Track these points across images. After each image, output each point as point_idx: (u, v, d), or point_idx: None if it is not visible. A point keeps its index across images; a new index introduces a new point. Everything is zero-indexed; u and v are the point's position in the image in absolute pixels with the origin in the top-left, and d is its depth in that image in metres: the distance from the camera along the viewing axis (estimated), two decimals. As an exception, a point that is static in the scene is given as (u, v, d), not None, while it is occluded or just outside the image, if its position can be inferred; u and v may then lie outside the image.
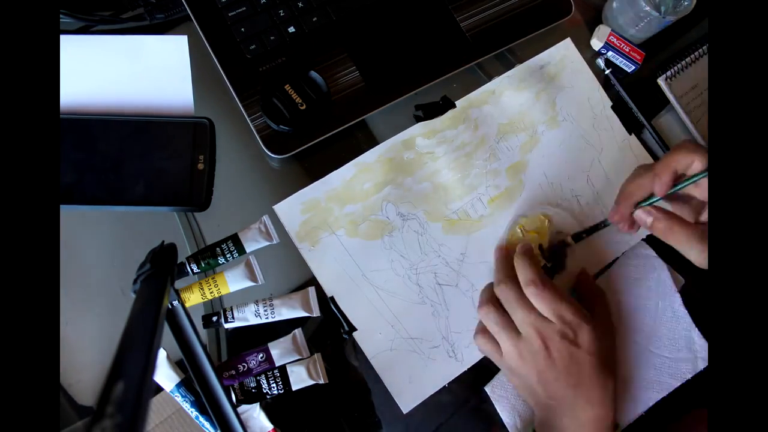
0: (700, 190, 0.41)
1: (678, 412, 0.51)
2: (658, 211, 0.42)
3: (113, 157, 0.44)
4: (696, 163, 0.40)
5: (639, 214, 0.44)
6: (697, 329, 0.52)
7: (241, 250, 0.45)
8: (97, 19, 0.49)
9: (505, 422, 0.48)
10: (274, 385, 0.43)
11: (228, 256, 0.44)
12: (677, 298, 0.52)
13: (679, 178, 0.42)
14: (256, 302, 0.44)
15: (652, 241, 0.53)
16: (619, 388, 0.49)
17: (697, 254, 0.41)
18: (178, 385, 0.42)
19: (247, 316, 0.44)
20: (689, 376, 0.51)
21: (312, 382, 0.44)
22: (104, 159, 0.44)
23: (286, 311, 0.44)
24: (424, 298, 0.49)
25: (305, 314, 0.44)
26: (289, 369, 0.44)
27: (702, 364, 0.51)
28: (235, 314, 0.44)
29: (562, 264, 0.51)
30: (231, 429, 0.37)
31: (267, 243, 0.46)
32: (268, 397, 0.43)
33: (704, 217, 0.43)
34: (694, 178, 0.41)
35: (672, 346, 0.51)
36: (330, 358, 0.45)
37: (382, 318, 0.47)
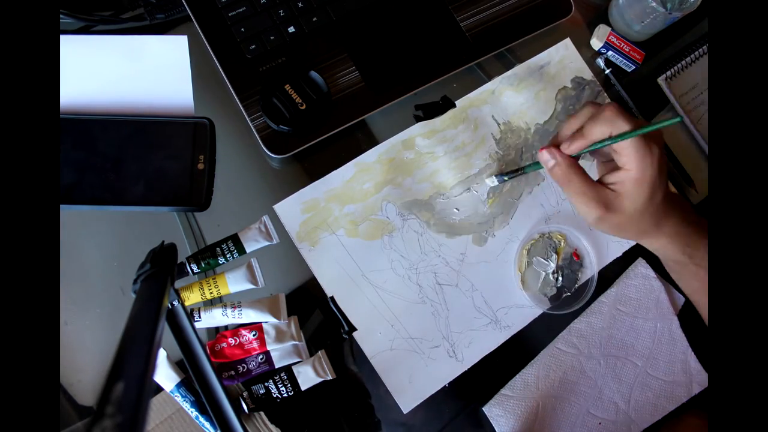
0: (615, 154, 0.40)
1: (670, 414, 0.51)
2: (562, 157, 0.41)
3: (113, 157, 0.44)
4: (620, 123, 0.38)
5: (543, 153, 0.42)
6: (693, 353, 0.52)
7: (241, 250, 0.45)
8: (97, 19, 0.49)
9: None
10: (283, 388, 0.43)
11: (228, 256, 0.44)
12: (675, 321, 0.52)
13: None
14: (224, 305, 0.44)
15: (652, 261, 0.53)
16: (615, 411, 0.50)
17: (588, 214, 0.41)
18: (178, 385, 0.42)
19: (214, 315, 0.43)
20: (684, 400, 0.51)
21: (320, 380, 0.44)
22: (104, 159, 0.44)
23: (253, 314, 0.44)
24: (424, 297, 0.49)
25: (272, 318, 0.44)
26: (295, 370, 0.44)
27: (697, 388, 0.51)
28: (203, 315, 0.43)
29: (573, 283, 0.51)
30: (231, 429, 0.37)
31: (267, 243, 0.46)
32: (278, 400, 0.43)
33: (608, 178, 0.41)
34: (598, 145, 0.40)
35: (668, 369, 0.52)
36: (330, 359, 0.45)
37: (382, 318, 0.47)
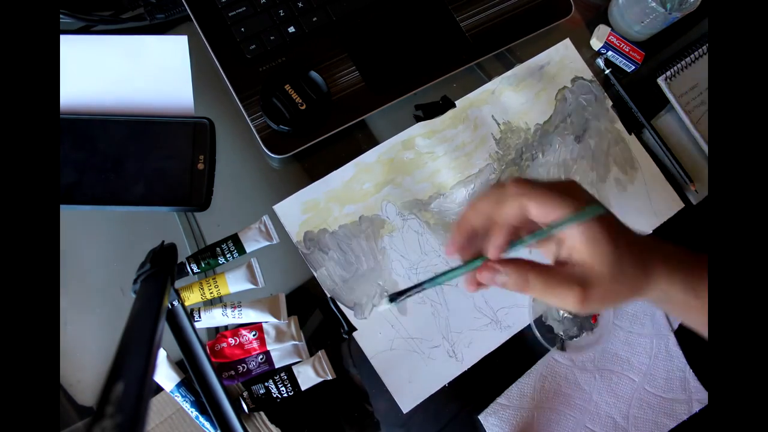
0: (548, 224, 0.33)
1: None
2: (505, 265, 0.33)
3: (113, 157, 0.44)
4: (533, 210, 0.33)
5: (484, 275, 0.34)
6: (691, 370, 0.51)
7: (241, 250, 0.45)
8: (97, 19, 0.49)
9: None
10: (283, 388, 0.43)
11: (228, 256, 0.44)
12: (672, 338, 0.52)
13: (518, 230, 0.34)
14: (224, 305, 0.44)
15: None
16: (613, 426, 0.49)
17: (569, 303, 0.33)
18: (178, 385, 0.42)
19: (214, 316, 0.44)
20: (685, 417, 0.51)
21: (320, 380, 0.44)
22: (104, 159, 0.44)
23: (253, 314, 0.44)
24: (424, 297, 0.49)
25: (272, 318, 0.44)
26: (295, 370, 0.44)
27: (697, 406, 0.51)
28: (203, 315, 0.44)
29: (570, 338, 0.50)
30: (231, 429, 0.37)
31: (267, 243, 0.46)
32: (278, 400, 0.43)
33: (560, 254, 0.34)
34: (537, 236, 0.33)
35: (667, 386, 0.51)
36: (330, 359, 0.45)
37: (382, 318, 0.47)
